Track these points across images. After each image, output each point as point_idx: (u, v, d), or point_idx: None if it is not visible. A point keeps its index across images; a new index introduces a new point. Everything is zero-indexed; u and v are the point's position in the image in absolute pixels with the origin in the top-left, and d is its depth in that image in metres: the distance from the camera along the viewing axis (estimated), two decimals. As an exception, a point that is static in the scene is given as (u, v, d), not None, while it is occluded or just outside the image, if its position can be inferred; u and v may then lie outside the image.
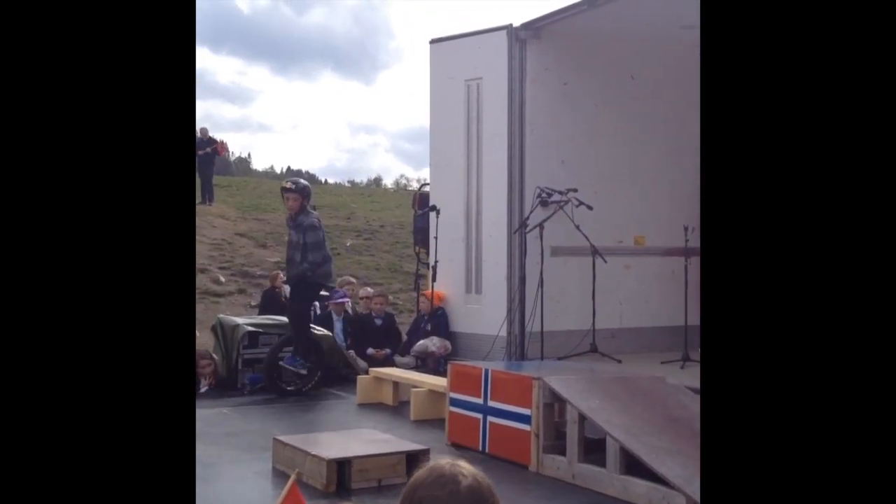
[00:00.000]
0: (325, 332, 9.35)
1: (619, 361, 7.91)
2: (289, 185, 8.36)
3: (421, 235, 10.44)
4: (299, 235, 8.17)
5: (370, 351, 9.97)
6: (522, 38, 8.61)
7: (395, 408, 7.92)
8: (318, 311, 10.67)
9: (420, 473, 1.79)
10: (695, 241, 5.78)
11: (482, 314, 8.87)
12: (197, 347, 9.19)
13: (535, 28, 8.60)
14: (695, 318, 6.50)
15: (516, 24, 8.67)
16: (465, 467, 1.79)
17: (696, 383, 5.52)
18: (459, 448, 6.21)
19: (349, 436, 6.05)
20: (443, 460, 1.82)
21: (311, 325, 8.92)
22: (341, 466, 5.22)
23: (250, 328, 9.01)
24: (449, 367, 6.68)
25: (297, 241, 8.16)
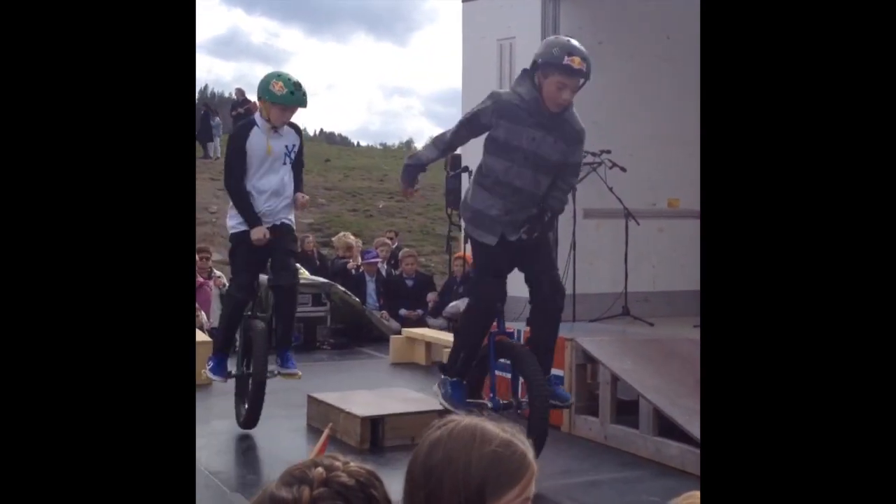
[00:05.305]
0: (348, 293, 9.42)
1: (652, 324, 7.87)
2: (583, 65, 4.92)
3: (453, 197, 10.40)
4: (571, 149, 4.88)
5: (403, 312, 10.03)
6: (557, -5, 8.49)
7: (428, 367, 7.98)
8: (353, 272, 10.73)
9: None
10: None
11: (513, 276, 8.84)
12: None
13: (569, -15, 8.47)
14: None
15: (551, -19, 8.54)
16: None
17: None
18: (491, 408, 6.22)
19: (382, 394, 6.11)
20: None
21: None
22: (375, 424, 5.28)
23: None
24: (481, 327, 6.68)
25: (551, 158, 4.81)
